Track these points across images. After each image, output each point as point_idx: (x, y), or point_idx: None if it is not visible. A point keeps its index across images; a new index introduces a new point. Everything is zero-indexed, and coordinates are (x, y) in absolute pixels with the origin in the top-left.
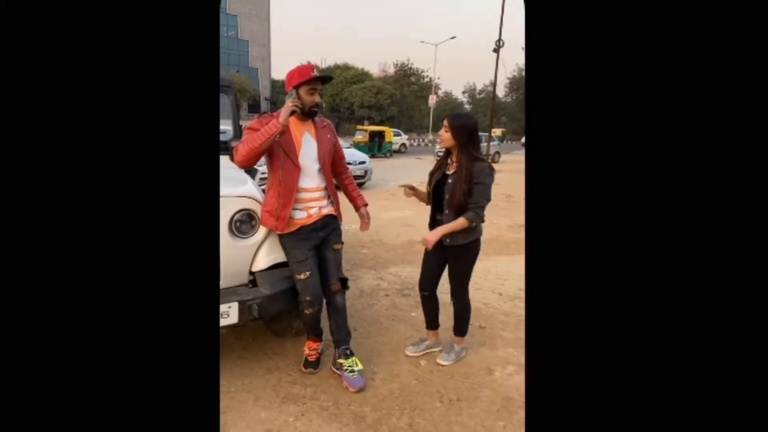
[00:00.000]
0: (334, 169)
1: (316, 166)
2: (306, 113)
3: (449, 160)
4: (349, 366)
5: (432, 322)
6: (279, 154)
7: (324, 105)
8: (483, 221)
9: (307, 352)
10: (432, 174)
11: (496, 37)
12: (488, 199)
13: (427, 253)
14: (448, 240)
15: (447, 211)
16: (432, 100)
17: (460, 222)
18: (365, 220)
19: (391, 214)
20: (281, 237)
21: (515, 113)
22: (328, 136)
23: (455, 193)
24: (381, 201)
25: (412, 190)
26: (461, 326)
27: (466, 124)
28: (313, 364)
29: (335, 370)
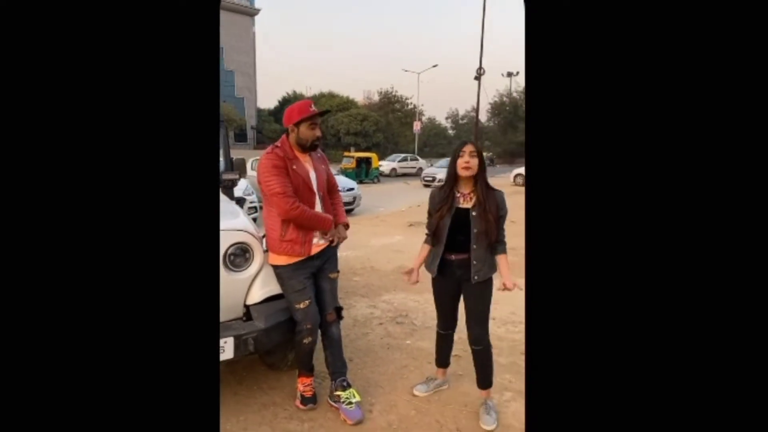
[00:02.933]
0: (328, 195)
1: (318, 194)
2: (308, 147)
3: (457, 193)
4: (347, 398)
5: (445, 360)
6: (297, 184)
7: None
8: None
9: (301, 388)
10: (438, 210)
11: (477, 64)
12: None
13: (439, 292)
14: (476, 277)
15: (475, 246)
16: (416, 126)
17: (505, 261)
18: (337, 237)
19: (382, 241)
20: (276, 268)
21: (498, 137)
22: (323, 166)
23: (488, 229)
24: (370, 227)
25: (409, 274)
26: (486, 376)
27: (481, 151)
28: (311, 400)
29: (332, 402)
